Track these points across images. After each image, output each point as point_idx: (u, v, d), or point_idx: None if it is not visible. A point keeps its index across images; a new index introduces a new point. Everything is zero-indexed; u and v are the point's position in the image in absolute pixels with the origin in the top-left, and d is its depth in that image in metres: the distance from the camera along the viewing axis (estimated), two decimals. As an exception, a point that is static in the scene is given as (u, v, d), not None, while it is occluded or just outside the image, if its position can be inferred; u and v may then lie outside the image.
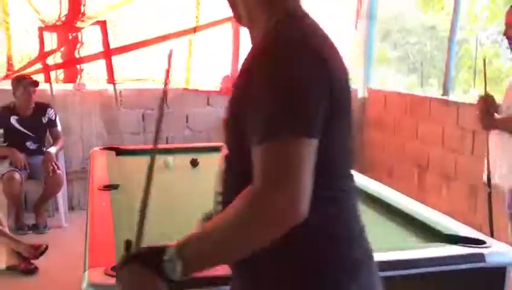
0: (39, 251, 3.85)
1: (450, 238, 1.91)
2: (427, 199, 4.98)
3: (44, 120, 4.75)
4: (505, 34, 2.91)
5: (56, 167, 4.64)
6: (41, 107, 4.75)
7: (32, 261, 3.88)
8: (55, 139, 4.82)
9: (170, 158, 3.24)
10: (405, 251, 1.85)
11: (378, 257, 1.78)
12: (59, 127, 4.86)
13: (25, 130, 4.68)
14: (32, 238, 4.30)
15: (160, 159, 3.23)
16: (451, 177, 4.73)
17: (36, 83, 4.66)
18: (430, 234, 2.02)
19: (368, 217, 2.30)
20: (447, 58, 4.98)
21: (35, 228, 4.67)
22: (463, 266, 1.76)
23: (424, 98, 5.10)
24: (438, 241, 1.92)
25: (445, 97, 4.98)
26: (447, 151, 4.76)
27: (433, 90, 7.44)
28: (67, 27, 5.14)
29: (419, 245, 1.93)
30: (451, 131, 4.70)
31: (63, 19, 5.11)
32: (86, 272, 1.60)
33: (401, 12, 6.59)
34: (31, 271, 3.84)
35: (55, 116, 4.82)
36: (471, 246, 1.83)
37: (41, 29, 5.07)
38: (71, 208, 5.21)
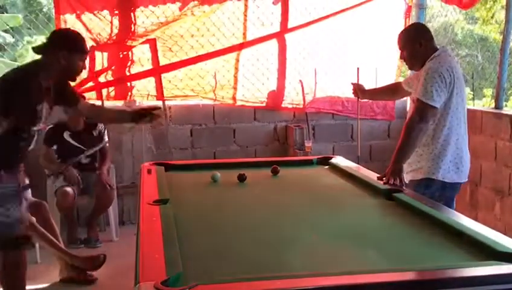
0: (96, 262, 3.91)
1: (504, 256, 1.85)
2: (480, 215, 4.84)
3: (95, 133, 4.88)
4: (401, 57, 3.43)
5: (110, 185, 4.75)
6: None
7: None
8: (103, 153, 4.93)
9: (217, 173, 3.27)
10: (457, 268, 1.80)
11: (430, 275, 1.77)
12: (106, 141, 4.97)
13: (77, 145, 4.81)
14: (84, 252, 4.40)
15: (207, 175, 3.27)
16: (504, 192, 4.59)
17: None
18: (483, 251, 1.95)
19: (418, 234, 2.26)
20: (499, 70, 4.85)
21: (87, 242, 4.78)
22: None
23: (476, 111, 4.98)
24: (491, 260, 1.86)
25: (497, 110, 4.85)
26: (500, 166, 4.62)
27: (486, 103, 7.24)
28: (118, 46, 5.28)
29: (471, 263, 1.87)
30: (504, 145, 4.57)
31: (114, 37, 5.24)
32: (137, 286, 1.63)
33: (451, 24, 6.46)
34: (90, 282, 3.94)
35: (104, 130, 4.95)
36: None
37: (92, 48, 5.22)
38: (122, 222, 5.31)
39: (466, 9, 5.56)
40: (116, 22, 5.22)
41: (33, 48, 3.15)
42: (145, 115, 3.32)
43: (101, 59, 5.27)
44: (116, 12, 5.23)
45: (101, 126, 4.91)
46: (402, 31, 3.48)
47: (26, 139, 3.06)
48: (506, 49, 4.82)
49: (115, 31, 5.24)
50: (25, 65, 3.29)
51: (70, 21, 5.14)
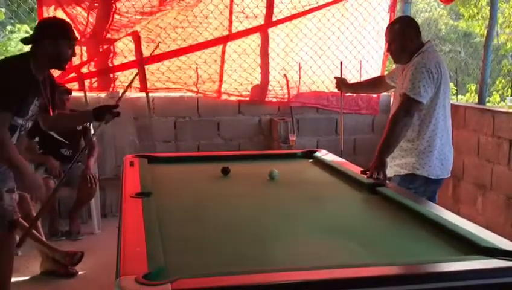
0: (75, 258, 3.90)
1: (488, 251, 1.85)
2: (462, 209, 4.88)
3: (79, 127, 4.81)
4: (388, 49, 3.37)
5: (94, 181, 4.70)
6: None
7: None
8: (90, 147, 4.87)
9: (275, 170, 3.18)
10: (441, 263, 1.80)
11: (413, 269, 1.77)
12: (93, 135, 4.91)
13: (59, 138, 4.74)
14: (65, 245, 4.36)
15: (190, 167, 3.24)
16: (486, 187, 4.63)
17: (69, 91, 4.73)
18: (467, 246, 1.95)
19: (401, 228, 2.27)
20: (483, 66, 4.89)
21: (69, 235, 4.73)
22: (503, 280, 1.70)
23: (459, 106, 5.01)
24: (474, 254, 1.87)
25: (480, 105, 4.88)
26: (483, 161, 4.66)
27: (469, 98, 7.31)
28: (101, 38, 5.21)
29: (455, 258, 1.87)
30: (487, 140, 4.61)
31: (96, 29, 5.16)
32: (118, 280, 1.61)
33: (435, 20, 6.49)
34: (71, 275, 3.91)
35: (89, 124, 4.88)
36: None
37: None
38: (104, 215, 5.26)
39: (447, 4, 5.59)
40: (97, 13, 5.15)
41: (21, 40, 3.10)
42: (105, 113, 3.22)
43: (83, 51, 5.21)
44: (96, 5, 5.16)
45: None
46: (391, 24, 3.45)
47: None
48: (489, 45, 4.86)
49: (96, 22, 5.16)
50: (14, 55, 3.22)
51: (52, 11, 5.06)
